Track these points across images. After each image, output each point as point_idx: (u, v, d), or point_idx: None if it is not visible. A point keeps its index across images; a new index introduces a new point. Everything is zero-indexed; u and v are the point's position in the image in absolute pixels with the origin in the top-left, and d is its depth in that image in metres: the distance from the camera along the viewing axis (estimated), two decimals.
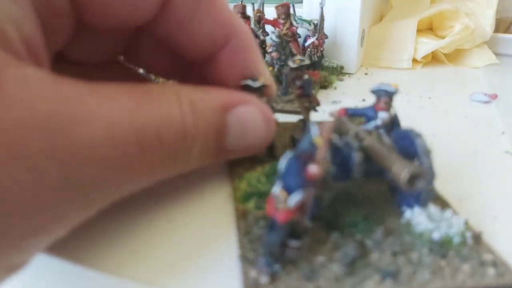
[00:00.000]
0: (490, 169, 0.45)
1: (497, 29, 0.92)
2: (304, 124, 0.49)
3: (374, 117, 0.39)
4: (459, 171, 0.44)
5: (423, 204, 0.33)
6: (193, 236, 0.34)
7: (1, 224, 0.20)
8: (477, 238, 0.31)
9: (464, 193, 0.39)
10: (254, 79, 0.40)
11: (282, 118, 0.56)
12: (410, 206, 0.33)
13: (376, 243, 0.31)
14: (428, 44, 0.82)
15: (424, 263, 0.29)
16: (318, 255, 0.30)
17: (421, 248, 0.30)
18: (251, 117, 0.34)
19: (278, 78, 0.68)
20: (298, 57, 0.48)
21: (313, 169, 0.27)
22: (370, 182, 0.38)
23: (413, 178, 0.29)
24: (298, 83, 0.49)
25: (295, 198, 0.27)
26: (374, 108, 0.39)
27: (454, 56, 0.86)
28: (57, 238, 0.25)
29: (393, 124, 0.38)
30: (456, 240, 0.30)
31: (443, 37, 0.84)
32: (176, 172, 0.31)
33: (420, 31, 0.85)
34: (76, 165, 0.22)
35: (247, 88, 0.39)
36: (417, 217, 0.32)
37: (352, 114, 0.42)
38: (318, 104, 0.49)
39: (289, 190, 0.27)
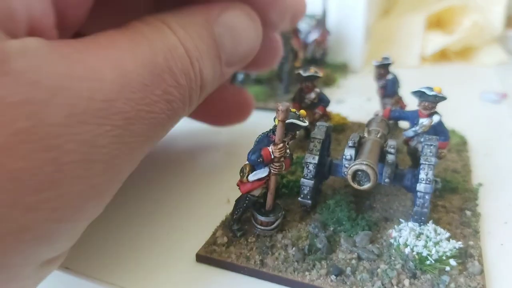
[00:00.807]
0: (501, 171, 0.43)
1: (508, 26, 0.89)
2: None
3: (416, 123, 0.36)
4: (470, 173, 0.41)
5: (414, 219, 0.31)
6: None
7: (61, 193, 0.19)
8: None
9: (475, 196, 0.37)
10: None
11: None
12: (411, 220, 0.31)
13: (351, 245, 0.30)
14: (436, 41, 0.80)
15: (386, 276, 0.27)
16: (286, 238, 0.31)
17: (395, 262, 0.28)
18: (237, 21, 0.32)
19: (278, 76, 0.66)
20: (383, 55, 0.46)
21: (270, 148, 0.28)
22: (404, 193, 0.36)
23: (358, 175, 0.29)
24: (380, 82, 0.47)
25: (257, 175, 0.29)
26: (418, 113, 0.36)
27: (463, 53, 0.84)
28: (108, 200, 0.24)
29: (435, 131, 0.35)
30: (430, 261, 0.28)
31: (451, 34, 0.81)
32: (193, 105, 0.29)
33: (427, 27, 0.82)
34: (100, 122, 0.21)
35: None
36: (402, 230, 0.30)
37: (395, 117, 0.40)
38: (402, 107, 0.47)
39: (250, 163, 0.29)
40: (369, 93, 0.64)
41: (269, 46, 0.40)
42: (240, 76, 0.70)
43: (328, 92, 0.68)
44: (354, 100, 0.65)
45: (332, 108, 0.61)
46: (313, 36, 0.73)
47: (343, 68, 0.78)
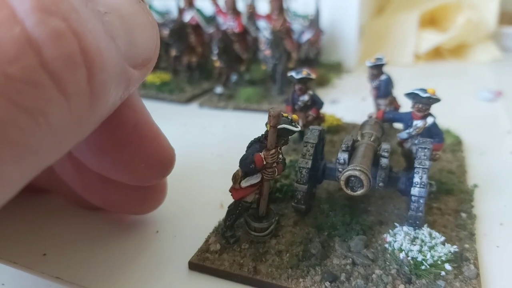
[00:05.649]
0: (496, 171, 0.42)
1: (501, 23, 0.89)
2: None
3: (410, 124, 0.35)
4: (466, 173, 0.41)
5: (409, 223, 0.30)
6: None
7: None
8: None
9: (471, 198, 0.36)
10: None
11: None
12: (406, 223, 0.31)
13: (346, 250, 0.30)
14: (430, 39, 0.79)
15: (381, 281, 0.27)
16: (280, 244, 0.31)
17: (390, 267, 0.28)
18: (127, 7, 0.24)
19: (272, 77, 0.66)
20: (376, 55, 0.45)
21: (262, 154, 0.28)
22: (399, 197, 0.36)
23: (351, 181, 0.28)
24: (373, 83, 0.47)
25: (249, 181, 0.29)
26: (411, 115, 0.35)
27: (457, 51, 0.83)
28: None
29: (429, 133, 0.35)
30: (425, 266, 0.27)
31: (445, 31, 0.81)
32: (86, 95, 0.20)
33: (421, 25, 0.82)
34: None
35: None
36: (397, 235, 0.30)
37: (388, 119, 0.39)
38: (396, 108, 0.46)
39: (242, 169, 0.29)
40: (363, 93, 0.64)
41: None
42: (233, 77, 0.69)
43: (322, 92, 0.68)
44: (348, 100, 0.65)
45: (326, 109, 0.61)
46: (307, 36, 0.73)
47: (337, 68, 0.78)
